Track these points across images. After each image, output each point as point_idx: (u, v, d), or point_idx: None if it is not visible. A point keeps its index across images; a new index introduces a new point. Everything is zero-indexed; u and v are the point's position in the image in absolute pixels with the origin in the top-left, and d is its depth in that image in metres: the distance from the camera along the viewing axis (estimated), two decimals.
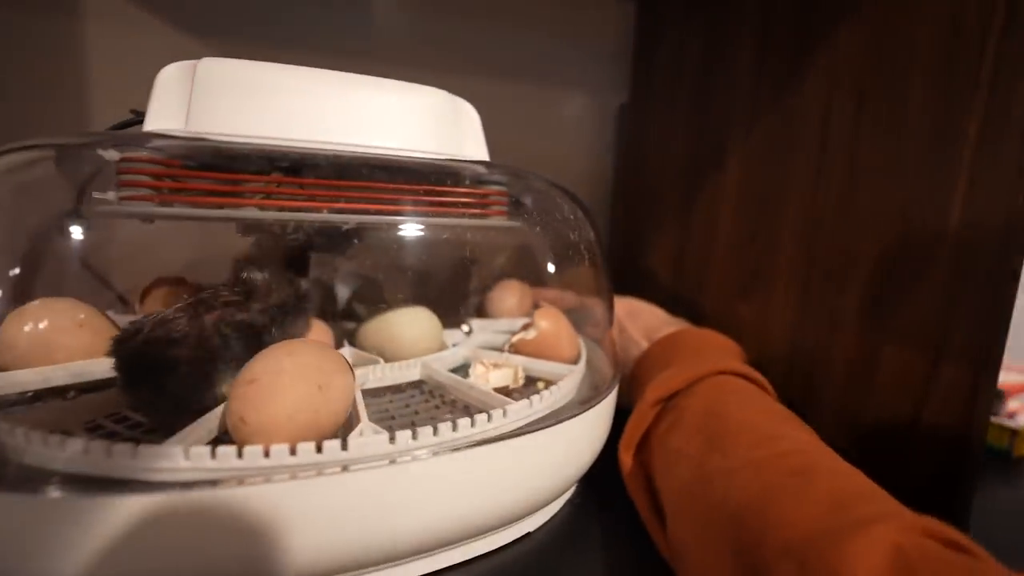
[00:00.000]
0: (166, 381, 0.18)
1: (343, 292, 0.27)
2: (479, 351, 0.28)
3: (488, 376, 0.25)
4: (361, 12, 0.45)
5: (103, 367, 0.21)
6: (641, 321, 0.36)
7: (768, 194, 0.35)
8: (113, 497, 0.14)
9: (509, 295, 0.37)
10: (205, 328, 0.19)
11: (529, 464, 0.20)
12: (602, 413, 0.23)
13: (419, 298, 0.28)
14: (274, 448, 0.15)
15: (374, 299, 0.27)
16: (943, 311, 0.25)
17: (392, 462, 0.16)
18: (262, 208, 0.20)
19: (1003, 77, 0.22)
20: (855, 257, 0.29)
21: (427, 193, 0.23)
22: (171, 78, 0.21)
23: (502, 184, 0.25)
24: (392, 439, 0.17)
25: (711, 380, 0.23)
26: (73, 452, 0.15)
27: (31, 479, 0.15)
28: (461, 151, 0.25)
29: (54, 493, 0.14)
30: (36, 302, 0.22)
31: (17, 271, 0.20)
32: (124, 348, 0.18)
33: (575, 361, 0.27)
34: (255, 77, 0.20)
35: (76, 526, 0.14)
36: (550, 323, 0.28)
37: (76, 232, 0.19)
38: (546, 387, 0.26)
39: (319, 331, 0.25)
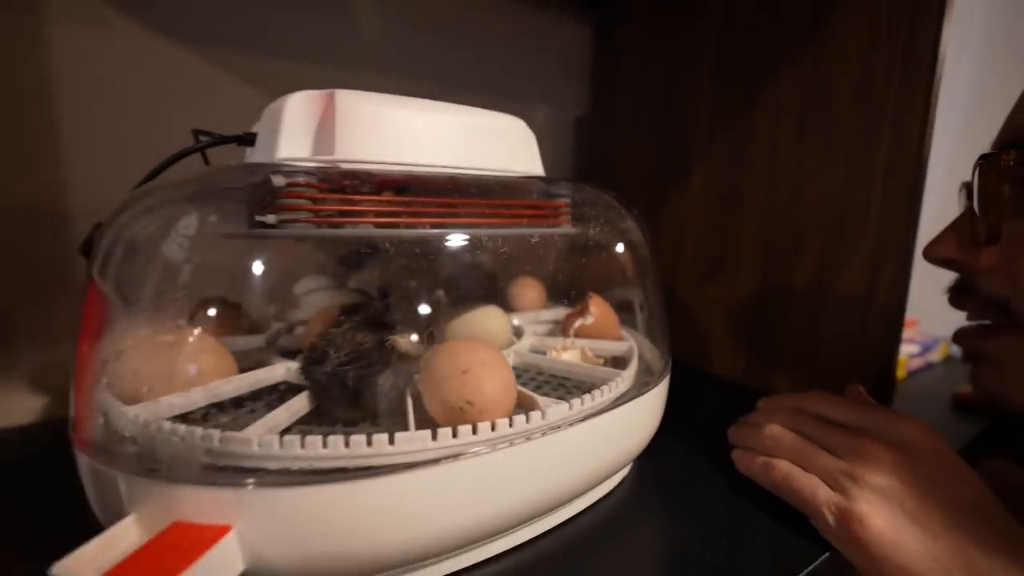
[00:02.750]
0: (356, 390, 0.20)
1: (429, 298, 0.30)
2: (545, 339, 0.32)
3: (562, 357, 0.30)
4: (348, 25, 0.46)
5: (235, 385, 0.23)
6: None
7: (729, 198, 0.44)
8: (383, 478, 0.17)
9: (530, 290, 0.42)
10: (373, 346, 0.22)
11: (633, 425, 0.25)
12: (666, 385, 0.29)
13: (488, 298, 0.31)
14: (500, 422, 0.19)
15: (458, 302, 0.30)
16: (868, 279, 0.35)
17: (571, 425, 0.21)
18: (406, 227, 0.23)
19: (902, 115, 0.33)
20: (804, 242, 0.39)
21: (511, 207, 0.27)
22: (300, 108, 0.22)
23: (565, 196, 0.30)
24: (571, 407, 0.21)
25: None
26: (320, 449, 0.17)
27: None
28: (533, 168, 0.29)
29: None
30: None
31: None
32: (319, 367, 0.20)
33: (619, 339, 0.33)
34: (386, 111, 0.23)
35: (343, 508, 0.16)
36: (600, 309, 0.33)
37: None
38: (605, 363, 0.31)
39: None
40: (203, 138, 0.28)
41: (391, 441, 0.18)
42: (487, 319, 0.30)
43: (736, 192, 0.43)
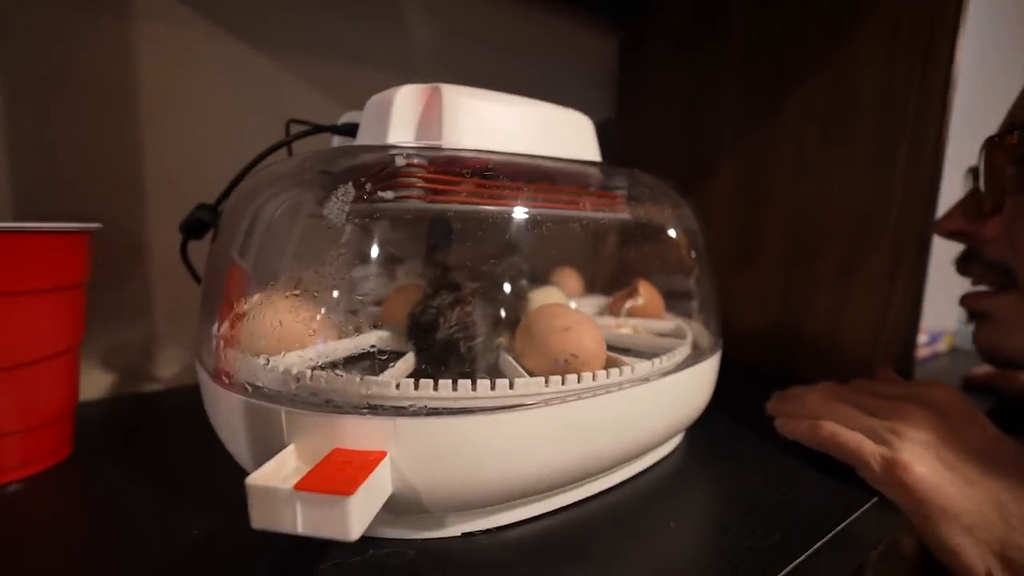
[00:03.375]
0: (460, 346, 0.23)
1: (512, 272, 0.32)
2: (596, 319, 0.35)
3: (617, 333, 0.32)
4: (399, 32, 0.49)
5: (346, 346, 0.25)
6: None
7: (756, 197, 0.47)
8: (513, 413, 0.19)
9: (569, 279, 0.45)
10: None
11: (698, 385, 0.27)
12: (719, 357, 0.31)
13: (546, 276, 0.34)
14: (599, 372, 0.21)
15: (533, 276, 0.32)
16: (889, 269, 0.39)
17: (654, 380, 0.23)
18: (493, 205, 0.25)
19: (921, 120, 0.36)
20: (827, 238, 0.42)
21: (580, 193, 0.30)
22: (407, 99, 0.25)
23: (622, 186, 0.32)
24: (652, 364, 0.24)
25: None
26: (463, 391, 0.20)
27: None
28: (593, 155, 0.32)
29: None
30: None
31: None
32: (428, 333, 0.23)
33: (663, 317, 0.36)
34: (484, 104, 0.26)
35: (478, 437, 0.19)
36: (648, 291, 0.36)
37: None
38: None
39: None
40: (295, 127, 0.31)
41: (511, 386, 0.20)
42: (548, 298, 0.32)
43: (762, 192, 0.47)
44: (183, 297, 0.39)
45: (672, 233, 0.33)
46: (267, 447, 0.19)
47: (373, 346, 0.27)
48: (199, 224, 0.29)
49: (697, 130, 0.52)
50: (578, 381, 0.21)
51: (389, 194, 0.23)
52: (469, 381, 0.20)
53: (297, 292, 0.21)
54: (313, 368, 0.21)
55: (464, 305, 0.24)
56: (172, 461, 0.27)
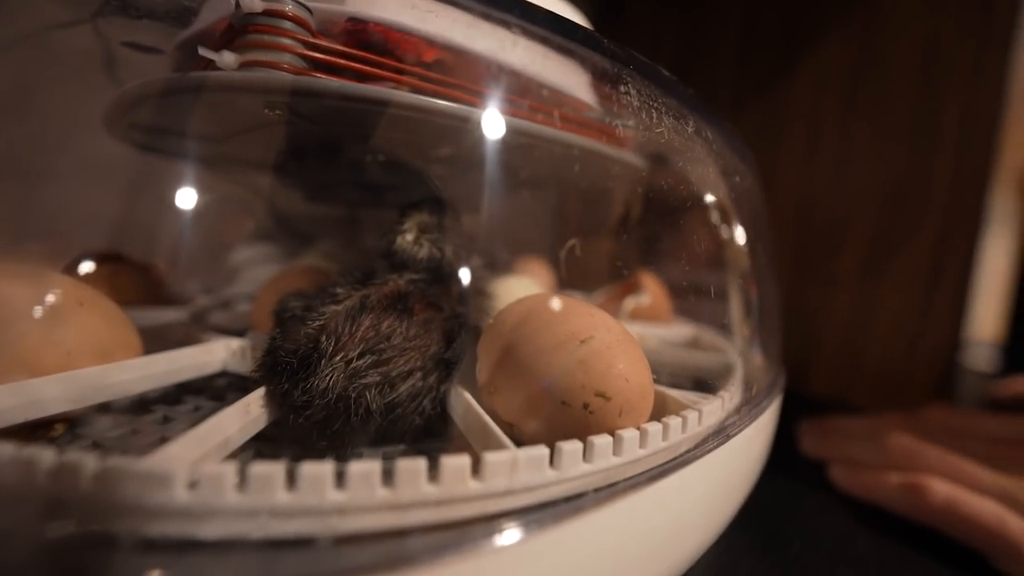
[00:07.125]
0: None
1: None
2: None
3: None
4: None
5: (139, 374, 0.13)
6: None
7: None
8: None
9: (540, 275, 0.34)
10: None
11: (769, 434, 0.17)
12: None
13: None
14: (650, 429, 0.11)
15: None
16: (932, 265, 0.31)
17: (726, 436, 0.13)
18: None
19: (976, 81, 0.29)
20: (849, 225, 0.35)
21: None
22: None
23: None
24: (723, 401, 0.13)
25: None
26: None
27: None
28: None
29: None
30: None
31: None
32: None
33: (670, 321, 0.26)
34: None
35: None
36: (653, 286, 0.26)
37: None
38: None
39: None
40: None
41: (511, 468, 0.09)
42: (520, 293, 0.21)
43: (765, 173, 0.39)
44: None
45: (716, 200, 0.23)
46: None
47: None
48: None
49: None
50: (615, 453, 0.10)
51: (229, 58, 0.11)
52: (422, 463, 0.08)
53: None
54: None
55: (375, 312, 0.12)
56: None
